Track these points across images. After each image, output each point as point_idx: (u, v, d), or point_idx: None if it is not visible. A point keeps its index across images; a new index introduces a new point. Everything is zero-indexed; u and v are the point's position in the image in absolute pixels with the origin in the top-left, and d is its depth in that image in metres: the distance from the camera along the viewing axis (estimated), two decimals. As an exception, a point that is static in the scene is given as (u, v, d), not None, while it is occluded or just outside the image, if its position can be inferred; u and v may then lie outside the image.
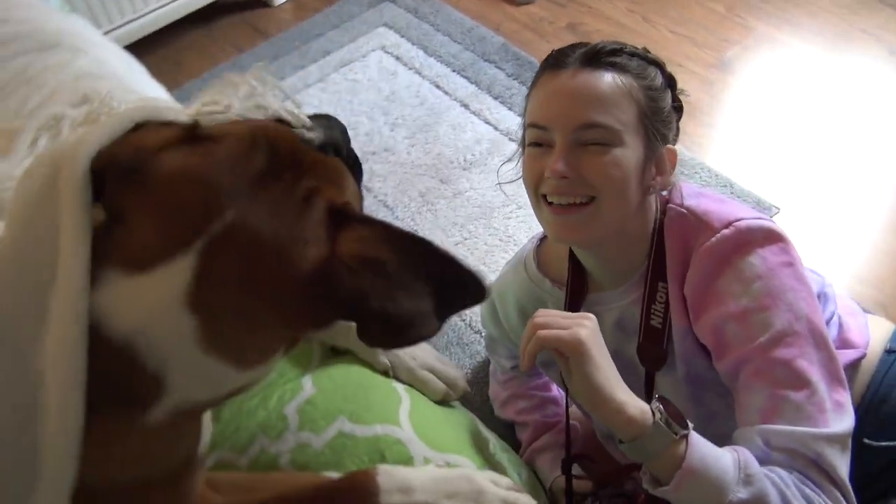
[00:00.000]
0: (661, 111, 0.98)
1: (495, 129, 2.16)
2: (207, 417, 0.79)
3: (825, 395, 0.87)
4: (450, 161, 2.09)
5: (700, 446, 0.82)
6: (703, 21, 2.48)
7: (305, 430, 0.84)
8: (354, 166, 0.81)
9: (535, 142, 0.99)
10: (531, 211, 1.86)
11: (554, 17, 2.52)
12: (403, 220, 1.95)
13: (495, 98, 2.25)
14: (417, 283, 0.63)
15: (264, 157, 0.65)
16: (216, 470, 0.84)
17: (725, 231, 0.94)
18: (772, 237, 0.94)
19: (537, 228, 1.85)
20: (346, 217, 0.65)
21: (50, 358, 0.59)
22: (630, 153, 0.94)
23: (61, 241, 0.60)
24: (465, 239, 1.90)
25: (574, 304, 1.07)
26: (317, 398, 0.86)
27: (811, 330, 0.89)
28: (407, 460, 0.82)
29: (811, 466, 0.85)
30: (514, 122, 2.17)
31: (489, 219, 1.93)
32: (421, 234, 1.89)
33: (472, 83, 2.30)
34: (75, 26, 1.42)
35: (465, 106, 2.23)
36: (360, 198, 0.75)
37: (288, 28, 2.53)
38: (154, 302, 0.59)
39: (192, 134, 0.66)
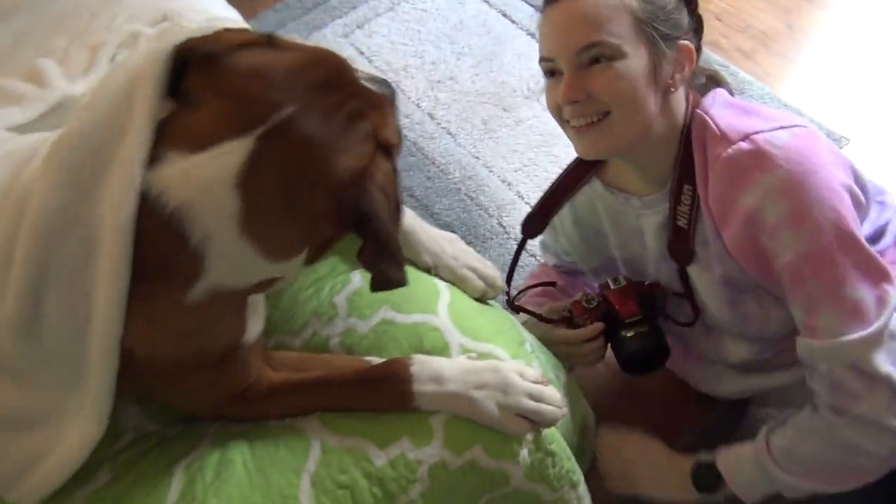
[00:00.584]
0: (658, 12, 0.99)
1: (560, 58, 2.16)
2: (261, 307, 0.88)
3: (862, 297, 0.91)
4: (513, 90, 2.11)
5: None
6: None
7: (353, 316, 0.93)
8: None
9: (549, 72, 1.06)
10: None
11: (627, -56, 2.47)
12: (465, 146, 2.00)
13: (562, 27, 2.24)
14: None
15: (324, 72, 0.73)
16: (274, 349, 0.94)
17: (742, 144, 0.95)
18: (792, 146, 0.94)
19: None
20: (384, 149, 0.73)
21: (106, 207, 0.68)
22: (634, 62, 0.97)
23: (135, 111, 0.69)
24: (525, 166, 1.93)
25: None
26: (364, 290, 0.94)
27: (838, 236, 0.91)
28: (443, 346, 0.89)
29: (850, 375, 0.92)
30: (579, 51, 2.16)
31: (550, 147, 1.96)
32: (483, 161, 1.94)
33: (538, 10, 2.29)
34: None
35: (531, 35, 2.24)
36: (400, 136, 0.81)
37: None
38: (207, 178, 0.67)
39: (268, 40, 0.75)
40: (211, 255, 0.70)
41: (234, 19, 1.40)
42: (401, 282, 0.74)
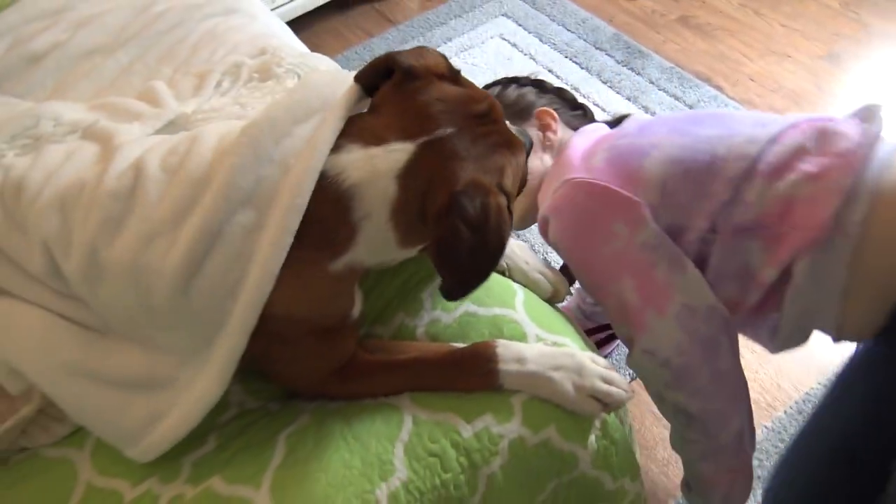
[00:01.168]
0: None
1: (602, 110, 2.30)
2: (358, 290, 0.98)
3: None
4: (558, 138, 2.24)
5: None
6: (815, 16, 2.53)
7: (437, 309, 1.02)
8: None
9: None
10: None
11: (666, 10, 2.63)
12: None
13: (604, 83, 2.39)
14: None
15: (483, 108, 0.88)
16: (368, 339, 1.03)
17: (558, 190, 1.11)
18: (591, 202, 1.07)
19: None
20: (503, 190, 0.85)
21: (288, 181, 0.81)
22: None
23: (334, 106, 0.86)
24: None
25: None
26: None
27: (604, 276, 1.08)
28: (521, 336, 0.97)
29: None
30: (620, 104, 2.30)
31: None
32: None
33: (583, 68, 2.45)
34: (248, -2, 1.66)
35: (576, 89, 2.38)
36: (524, 177, 0.96)
37: (413, 16, 2.76)
38: (379, 166, 0.82)
39: (454, 75, 0.92)
40: (363, 233, 0.83)
41: (318, 58, 1.53)
42: (448, 296, 0.85)
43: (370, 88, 0.91)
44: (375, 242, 0.85)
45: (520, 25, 2.64)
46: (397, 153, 0.82)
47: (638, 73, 2.40)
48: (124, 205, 0.89)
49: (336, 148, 0.84)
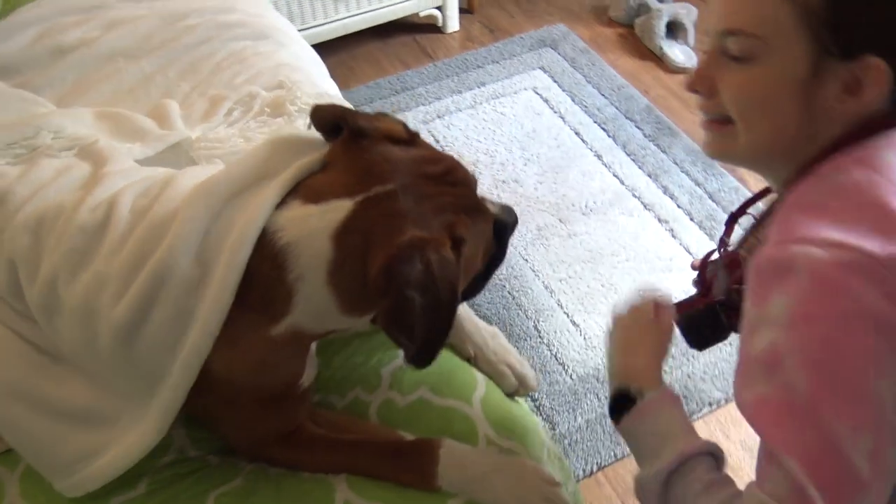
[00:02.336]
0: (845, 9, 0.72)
1: (621, 182, 2.28)
2: (313, 357, 0.96)
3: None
4: (572, 203, 2.22)
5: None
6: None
7: (394, 389, 1.00)
8: (500, 255, 0.99)
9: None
10: (638, 265, 1.98)
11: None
12: (517, 247, 2.10)
13: (628, 155, 2.37)
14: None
15: (440, 169, 0.85)
16: (320, 407, 1.02)
17: (776, 245, 0.73)
18: (828, 284, 0.68)
19: (639, 280, 1.96)
20: (455, 241, 0.81)
21: (231, 237, 0.80)
22: (778, 71, 0.75)
23: (285, 170, 0.85)
24: (570, 277, 2.02)
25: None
26: (408, 371, 1.03)
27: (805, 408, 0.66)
28: (471, 433, 0.95)
29: None
30: (640, 180, 2.28)
31: (596, 264, 2.05)
32: (531, 264, 2.04)
33: (609, 136, 2.43)
34: (282, 23, 1.67)
35: (599, 156, 2.36)
36: (485, 254, 0.92)
37: (453, 55, 2.76)
38: (314, 225, 0.79)
39: (411, 137, 0.89)
40: (299, 295, 0.80)
41: (335, 95, 1.53)
42: (415, 364, 0.81)
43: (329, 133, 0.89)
44: (314, 307, 0.81)
45: (555, 81, 2.63)
46: (334, 211, 0.79)
47: (664, 151, 2.38)
48: (90, 241, 0.88)
49: (281, 205, 0.82)
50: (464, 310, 1.10)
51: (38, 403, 0.90)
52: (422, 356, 0.80)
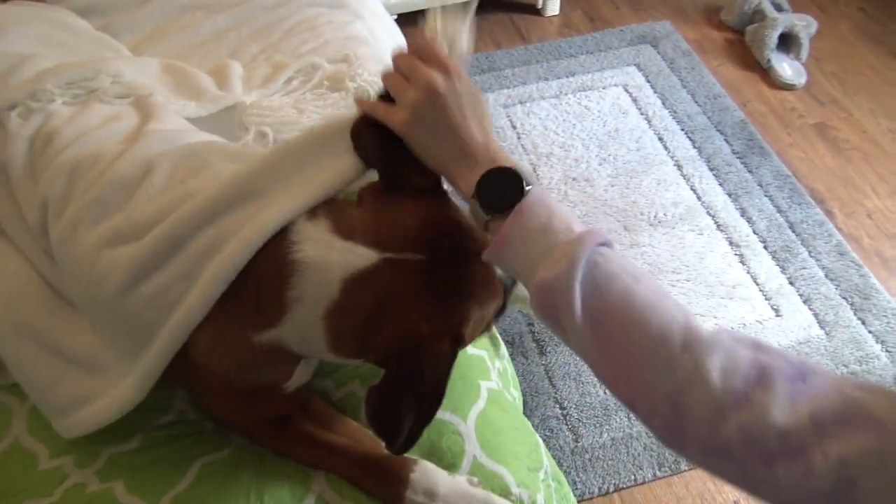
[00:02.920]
0: None
1: (698, 198, 2.17)
2: (310, 363, 0.95)
3: None
4: (640, 212, 2.13)
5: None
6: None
7: (392, 390, 1.00)
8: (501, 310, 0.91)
9: None
10: (697, 287, 1.88)
11: (806, 112, 2.44)
12: (574, 249, 2.04)
13: (711, 169, 2.25)
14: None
15: (468, 245, 0.80)
16: (315, 393, 1.02)
17: None
18: None
19: (696, 305, 1.87)
20: (455, 338, 0.77)
21: (253, 224, 0.79)
22: None
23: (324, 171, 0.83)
24: (623, 289, 1.95)
25: None
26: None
27: None
28: (458, 451, 0.93)
29: None
30: (718, 198, 2.16)
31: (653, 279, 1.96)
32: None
33: (694, 147, 2.31)
34: (363, -8, 1.65)
35: (679, 166, 2.26)
36: (488, 324, 0.87)
37: (547, 40, 2.68)
38: (332, 260, 0.76)
39: (436, 187, 0.84)
40: (292, 315, 0.78)
41: None
42: (394, 451, 0.78)
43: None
44: (302, 332, 0.79)
45: (648, 81, 2.52)
46: (357, 257, 0.76)
47: (750, 171, 2.25)
48: (120, 196, 0.90)
49: (311, 214, 0.80)
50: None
51: (46, 344, 0.93)
52: (401, 444, 0.77)
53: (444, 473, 0.90)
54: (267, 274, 0.78)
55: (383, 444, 0.78)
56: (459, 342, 0.77)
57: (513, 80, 2.52)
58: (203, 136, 1.06)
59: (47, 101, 1.05)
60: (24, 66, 1.12)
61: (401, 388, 0.74)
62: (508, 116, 2.41)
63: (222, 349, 0.82)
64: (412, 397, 0.73)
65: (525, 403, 1.72)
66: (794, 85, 2.49)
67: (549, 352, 1.82)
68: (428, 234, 0.77)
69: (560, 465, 1.64)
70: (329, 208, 0.81)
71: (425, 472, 0.89)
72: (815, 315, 1.91)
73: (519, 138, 2.34)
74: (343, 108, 1.27)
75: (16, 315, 0.94)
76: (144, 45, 1.46)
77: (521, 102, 2.45)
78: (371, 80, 1.33)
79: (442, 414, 0.96)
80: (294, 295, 0.77)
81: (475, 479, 0.90)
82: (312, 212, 0.80)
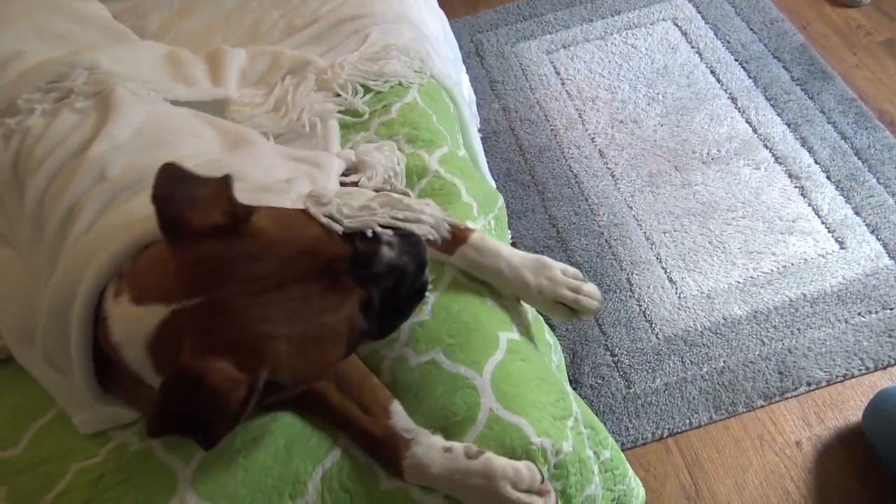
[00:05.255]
0: None
1: (753, 130, 2.07)
2: None
3: None
4: (692, 150, 2.06)
5: None
6: None
7: (409, 346, 1.00)
8: (412, 299, 0.89)
9: None
10: (754, 223, 1.81)
11: (874, 28, 2.28)
12: (623, 193, 1.99)
13: (768, 99, 2.14)
14: None
15: (267, 270, 0.76)
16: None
17: None
18: None
19: (753, 242, 1.80)
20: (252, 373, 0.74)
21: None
22: None
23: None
24: (675, 230, 1.90)
25: None
26: (428, 324, 1.01)
27: None
28: (473, 405, 0.93)
29: None
30: (776, 129, 2.06)
31: (707, 219, 1.90)
32: (634, 213, 1.92)
33: (750, 77, 2.20)
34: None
35: (733, 99, 2.16)
36: (350, 336, 0.81)
37: (591, -22, 2.58)
38: (133, 330, 0.79)
39: (235, 223, 0.77)
40: (145, 376, 0.81)
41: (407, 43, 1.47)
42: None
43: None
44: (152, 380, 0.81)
45: (699, 12, 2.40)
46: (150, 316, 0.76)
47: (811, 97, 2.12)
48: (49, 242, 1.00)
49: (116, 290, 0.82)
50: (502, 250, 1.07)
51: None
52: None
53: (439, 452, 0.89)
54: (110, 351, 0.83)
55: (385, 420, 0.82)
56: (254, 383, 0.73)
57: (555, 25, 2.45)
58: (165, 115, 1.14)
59: (28, 111, 1.14)
60: (7, 68, 1.20)
61: (166, 410, 0.72)
62: (552, 63, 2.34)
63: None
64: (184, 418, 0.73)
65: (574, 352, 1.72)
66: (859, 1, 2.32)
67: (602, 295, 1.79)
68: (203, 275, 0.75)
69: (612, 411, 1.63)
70: (131, 276, 0.82)
71: (418, 457, 0.89)
72: (884, 245, 1.80)
73: (563, 84, 2.28)
74: (322, 109, 1.29)
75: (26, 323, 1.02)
76: (173, 21, 1.49)
77: (564, 47, 2.38)
78: (354, 78, 1.33)
79: (456, 368, 0.97)
80: (134, 366, 0.80)
81: (474, 448, 0.89)
82: (117, 285, 0.82)
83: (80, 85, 1.15)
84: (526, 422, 0.94)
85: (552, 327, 1.43)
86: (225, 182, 0.77)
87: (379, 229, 0.84)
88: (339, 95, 1.30)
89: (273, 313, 0.75)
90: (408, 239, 0.86)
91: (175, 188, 0.75)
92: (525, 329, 1.11)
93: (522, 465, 0.88)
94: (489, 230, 1.23)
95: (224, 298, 0.74)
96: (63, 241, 0.98)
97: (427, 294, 1.02)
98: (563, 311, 1.05)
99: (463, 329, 1.00)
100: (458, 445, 0.89)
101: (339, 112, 1.29)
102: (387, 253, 0.83)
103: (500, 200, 1.33)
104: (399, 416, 0.93)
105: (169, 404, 0.72)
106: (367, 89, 1.33)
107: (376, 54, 1.35)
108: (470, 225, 1.13)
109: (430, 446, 0.89)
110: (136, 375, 0.81)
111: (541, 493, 0.88)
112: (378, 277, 0.82)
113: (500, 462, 0.88)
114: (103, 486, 0.93)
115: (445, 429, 0.93)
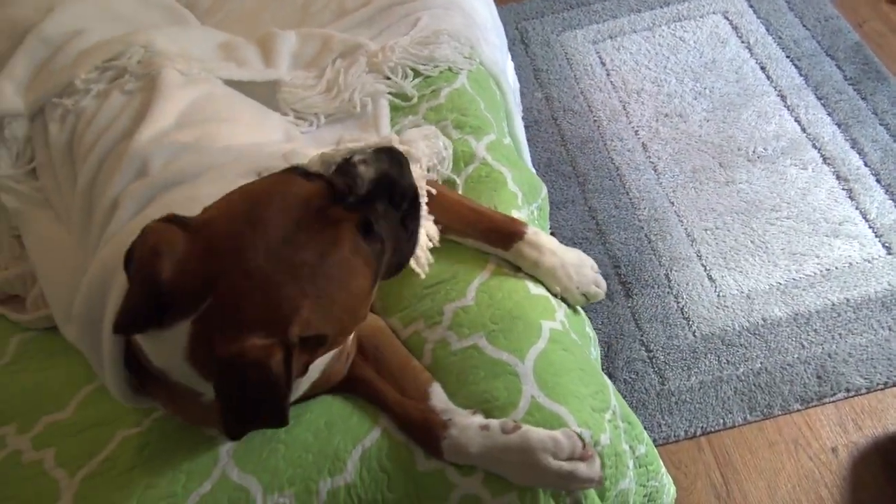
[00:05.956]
0: None
1: (803, 130, 2.03)
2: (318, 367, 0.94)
3: None
4: (738, 147, 2.02)
5: None
6: None
7: (451, 330, 1.00)
8: (411, 201, 0.88)
9: None
10: (799, 224, 1.77)
11: (933, 29, 2.22)
12: (665, 188, 1.97)
13: (819, 98, 2.09)
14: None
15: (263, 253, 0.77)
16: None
17: None
18: None
19: (796, 243, 1.77)
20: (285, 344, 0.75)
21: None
22: None
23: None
24: (717, 228, 1.87)
25: None
26: (471, 309, 1.01)
27: None
28: (514, 391, 0.94)
29: None
30: (826, 129, 2.01)
31: (750, 217, 1.87)
32: (676, 208, 1.90)
33: (801, 75, 2.16)
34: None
35: (782, 97, 2.12)
36: (375, 276, 0.83)
37: (641, -32, 2.54)
38: (170, 354, 0.81)
39: (183, 226, 0.79)
40: (206, 394, 0.83)
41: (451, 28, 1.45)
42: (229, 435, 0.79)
43: None
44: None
45: (751, 6, 2.35)
46: (180, 335, 0.77)
47: (863, 98, 2.07)
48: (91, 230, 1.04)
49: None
50: (555, 246, 1.09)
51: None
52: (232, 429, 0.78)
53: (476, 431, 0.89)
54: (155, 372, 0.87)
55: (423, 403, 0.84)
56: (288, 342, 0.75)
57: (602, 14, 2.42)
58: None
59: (84, 91, 1.18)
60: (68, 47, 1.23)
61: (230, 406, 0.75)
62: (598, 53, 2.32)
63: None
64: (247, 406, 0.74)
65: (609, 346, 1.71)
66: (919, 0, 2.26)
67: (636, 294, 1.78)
68: (197, 282, 0.76)
69: (645, 407, 1.62)
70: None
71: (456, 437, 0.89)
72: (934, 253, 1.76)
73: (608, 75, 2.25)
74: (373, 90, 1.30)
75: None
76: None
77: (610, 37, 2.36)
78: (403, 62, 1.33)
79: (499, 354, 0.97)
80: (181, 380, 0.83)
81: (510, 423, 0.89)
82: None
83: (133, 64, 1.18)
84: (567, 411, 0.94)
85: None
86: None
87: (348, 154, 0.84)
88: (388, 79, 1.31)
89: (278, 277, 0.75)
90: (379, 151, 0.84)
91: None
92: (566, 320, 1.11)
93: (560, 434, 0.88)
94: (532, 220, 1.22)
95: (227, 288, 0.75)
96: (102, 235, 1.01)
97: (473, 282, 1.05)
98: (582, 299, 1.13)
99: (506, 316, 1.01)
100: (494, 422, 0.90)
101: (389, 95, 1.30)
102: (364, 171, 0.81)
103: (544, 190, 1.32)
104: (438, 397, 0.94)
105: (227, 399, 0.74)
106: (416, 73, 1.33)
107: (427, 39, 1.35)
108: (515, 214, 1.13)
109: (468, 426, 0.90)
110: (186, 388, 0.83)
111: (583, 458, 0.88)
112: (368, 197, 0.81)
113: (538, 434, 0.88)
114: (148, 454, 0.95)
115: (486, 413, 0.93)
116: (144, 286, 0.76)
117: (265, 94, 1.25)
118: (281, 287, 0.75)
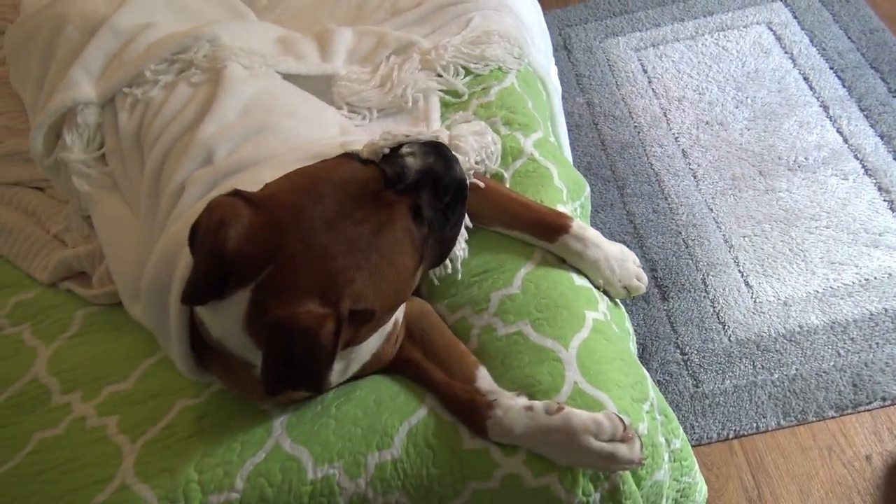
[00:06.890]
0: None
1: (845, 141, 2.04)
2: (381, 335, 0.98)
3: None
4: (778, 157, 2.03)
5: None
6: None
7: (497, 316, 1.04)
8: (458, 190, 0.92)
9: None
10: (838, 234, 1.78)
11: (981, 44, 2.20)
12: (704, 194, 1.99)
13: (862, 110, 2.10)
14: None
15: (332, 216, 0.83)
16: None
17: None
18: None
19: (835, 253, 1.77)
20: (337, 317, 0.79)
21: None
22: None
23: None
24: (755, 235, 1.88)
25: None
26: (517, 297, 1.05)
27: None
28: (558, 377, 0.97)
29: None
30: (868, 140, 2.02)
31: (789, 226, 1.88)
32: (714, 214, 1.91)
33: (844, 87, 2.16)
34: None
35: (825, 108, 2.12)
36: (420, 261, 0.89)
37: (686, -23, 2.56)
38: (229, 322, 0.86)
39: (246, 201, 0.84)
40: (255, 359, 0.86)
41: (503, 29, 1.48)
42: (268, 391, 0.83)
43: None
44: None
45: (795, 17, 2.36)
46: (238, 304, 0.82)
47: (907, 110, 2.07)
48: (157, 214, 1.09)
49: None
50: (600, 240, 1.13)
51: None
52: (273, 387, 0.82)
53: (520, 412, 0.92)
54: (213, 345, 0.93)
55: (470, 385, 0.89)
56: (339, 314, 0.79)
57: (645, 23, 2.45)
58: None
59: (153, 82, 1.24)
60: (138, 39, 1.29)
61: (272, 364, 0.79)
62: (640, 60, 2.35)
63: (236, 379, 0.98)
64: (290, 369, 0.79)
65: (644, 347, 1.73)
66: (967, 15, 2.25)
67: (672, 297, 1.80)
68: (261, 249, 0.81)
69: (678, 409, 1.63)
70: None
71: (500, 418, 0.92)
72: (975, 266, 1.75)
73: (650, 82, 2.28)
74: (425, 87, 1.35)
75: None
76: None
77: (653, 45, 2.38)
78: (456, 61, 1.38)
79: (543, 341, 1.01)
80: (240, 355, 0.89)
81: (554, 405, 0.92)
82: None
83: (199, 58, 1.24)
84: (608, 398, 0.97)
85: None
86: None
87: (396, 144, 0.90)
88: (440, 76, 1.35)
89: (335, 249, 0.81)
90: (426, 145, 0.90)
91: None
92: (608, 311, 1.14)
93: (602, 416, 0.91)
94: (576, 217, 1.26)
95: (288, 256, 0.80)
96: (168, 217, 1.06)
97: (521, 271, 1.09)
98: (624, 292, 1.16)
99: (551, 305, 1.04)
100: (538, 404, 0.93)
101: (440, 91, 1.34)
102: (412, 162, 0.87)
103: (587, 189, 1.36)
104: (484, 380, 0.98)
105: (272, 358, 0.79)
106: (467, 71, 1.37)
107: (478, 38, 1.39)
108: (560, 209, 1.17)
109: (512, 407, 0.93)
110: (241, 360, 0.88)
111: (624, 440, 0.91)
112: (415, 186, 0.87)
113: (581, 415, 0.91)
114: (206, 424, 1.00)
115: (530, 396, 0.96)
116: (211, 255, 0.81)
117: (320, 87, 1.30)
118: (337, 258, 0.81)
